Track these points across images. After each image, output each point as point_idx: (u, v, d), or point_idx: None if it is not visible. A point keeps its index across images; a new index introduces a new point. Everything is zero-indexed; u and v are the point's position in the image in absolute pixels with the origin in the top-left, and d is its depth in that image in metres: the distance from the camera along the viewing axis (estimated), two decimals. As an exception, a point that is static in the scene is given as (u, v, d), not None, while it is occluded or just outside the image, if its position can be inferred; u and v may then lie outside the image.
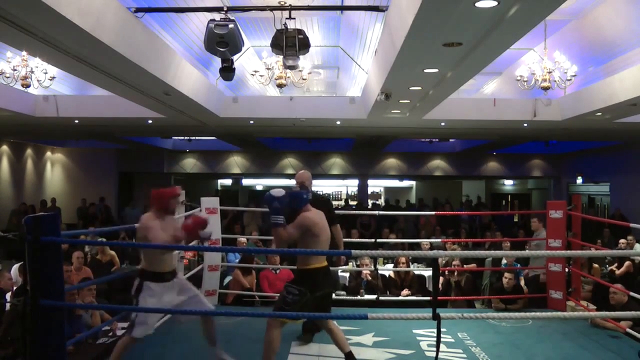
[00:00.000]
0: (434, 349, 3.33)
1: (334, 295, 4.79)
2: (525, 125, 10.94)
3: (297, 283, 3.95)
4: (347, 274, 7.72)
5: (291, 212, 3.93)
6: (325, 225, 4.01)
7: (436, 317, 3.19)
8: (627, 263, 7.66)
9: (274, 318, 3.87)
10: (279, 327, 3.85)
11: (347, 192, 23.56)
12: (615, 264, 8.00)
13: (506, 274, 6.32)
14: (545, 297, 6.27)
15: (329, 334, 4.02)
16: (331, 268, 4.25)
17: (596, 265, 7.74)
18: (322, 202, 4.87)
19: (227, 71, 5.78)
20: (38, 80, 7.70)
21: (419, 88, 7.55)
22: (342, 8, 7.18)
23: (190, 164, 19.48)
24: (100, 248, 7.94)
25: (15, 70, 7.58)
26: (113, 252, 8.01)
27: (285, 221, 3.82)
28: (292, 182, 23.02)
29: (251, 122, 11.25)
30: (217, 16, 5.45)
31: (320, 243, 3.92)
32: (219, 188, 23.28)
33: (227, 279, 7.31)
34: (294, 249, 3.98)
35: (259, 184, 23.29)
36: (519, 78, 7.70)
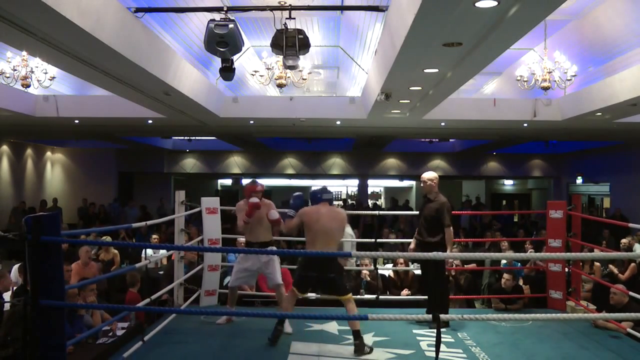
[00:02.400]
0: (434, 349, 3.32)
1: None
2: (525, 125, 10.93)
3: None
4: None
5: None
6: (322, 220, 4.60)
7: (436, 318, 3.19)
8: (631, 266, 7.63)
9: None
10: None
11: (347, 192, 23.56)
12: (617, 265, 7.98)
13: (505, 275, 6.32)
14: (545, 297, 6.27)
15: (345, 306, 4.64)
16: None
17: (597, 264, 7.74)
18: (437, 202, 5.37)
19: (227, 71, 5.77)
20: (38, 80, 7.70)
21: (419, 88, 7.55)
22: (342, 8, 7.18)
23: (190, 164, 19.47)
24: (105, 246, 7.97)
25: (15, 70, 7.59)
26: (116, 251, 8.03)
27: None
28: (291, 182, 22.70)
29: (251, 122, 11.25)
30: (217, 16, 5.45)
31: (312, 232, 4.61)
32: (219, 188, 23.27)
33: (227, 279, 7.30)
34: (293, 250, 4.09)
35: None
36: (519, 78, 7.70)
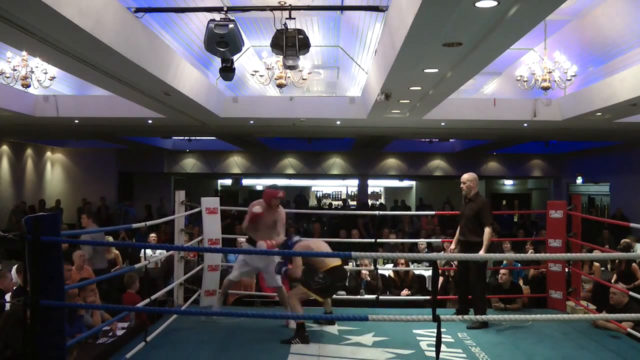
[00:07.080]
0: (434, 349, 3.32)
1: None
2: (525, 125, 10.93)
3: (326, 273, 4.91)
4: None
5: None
6: (320, 245, 5.16)
7: (436, 318, 3.18)
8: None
9: (295, 292, 4.98)
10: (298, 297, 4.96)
11: (347, 192, 23.55)
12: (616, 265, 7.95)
13: (501, 270, 6.33)
14: (545, 297, 6.27)
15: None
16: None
17: (597, 264, 7.72)
18: (477, 202, 5.51)
19: (227, 71, 5.78)
20: (38, 80, 7.70)
21: (419, 88, 7.55)
22: (342, 8, 7.18)
23: (190, 164, 19.47)
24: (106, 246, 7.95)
25: (15, 70, 7.58)
26: (117, 252, 8.01)
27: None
28: (291, 182, 22.70)
29: (251, 122, 11.25)
30: (217, 16, 5.45)
31: (323, 261, 4.92)
32: (219, 188, 23.27)
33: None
34: (298, 251, 4.26)
35: (259, 184, 23.28)
36: (519, 78, 7.70)
